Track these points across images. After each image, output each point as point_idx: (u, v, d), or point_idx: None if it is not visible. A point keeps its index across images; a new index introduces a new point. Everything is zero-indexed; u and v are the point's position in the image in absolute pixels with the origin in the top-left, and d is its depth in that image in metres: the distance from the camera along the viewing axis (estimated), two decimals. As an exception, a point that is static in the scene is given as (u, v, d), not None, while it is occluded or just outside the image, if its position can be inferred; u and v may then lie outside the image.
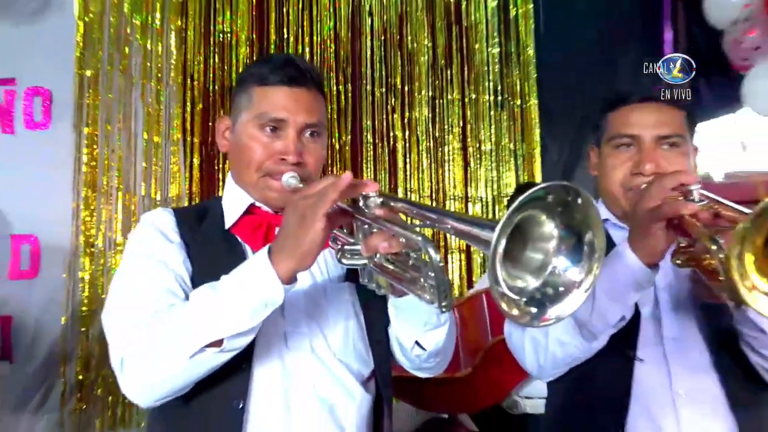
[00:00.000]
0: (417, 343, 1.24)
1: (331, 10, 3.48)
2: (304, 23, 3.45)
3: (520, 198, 0.75)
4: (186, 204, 3.24)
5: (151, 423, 1.30)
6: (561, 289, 0.84)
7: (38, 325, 3.01)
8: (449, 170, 3.55)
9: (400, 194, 3.46)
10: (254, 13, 3.41)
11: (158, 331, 1.09)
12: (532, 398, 2.53)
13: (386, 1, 3.55)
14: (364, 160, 3.45)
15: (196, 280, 1.24)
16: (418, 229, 0.94)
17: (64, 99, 3.16)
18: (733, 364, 1.30)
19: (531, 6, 3.73)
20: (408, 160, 3.51)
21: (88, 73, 3.19)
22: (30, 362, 2.97)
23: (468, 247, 3.56)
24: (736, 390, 1.31)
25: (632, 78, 4.01)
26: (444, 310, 0.89)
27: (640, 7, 3.97)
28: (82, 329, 3.06)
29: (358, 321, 1.31)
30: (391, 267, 1.03)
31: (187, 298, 1.21)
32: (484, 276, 3.37)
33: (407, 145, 3.51)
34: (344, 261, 1.08)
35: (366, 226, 1.04)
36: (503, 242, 0.73)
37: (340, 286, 1.33)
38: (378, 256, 1.04)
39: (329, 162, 3.40)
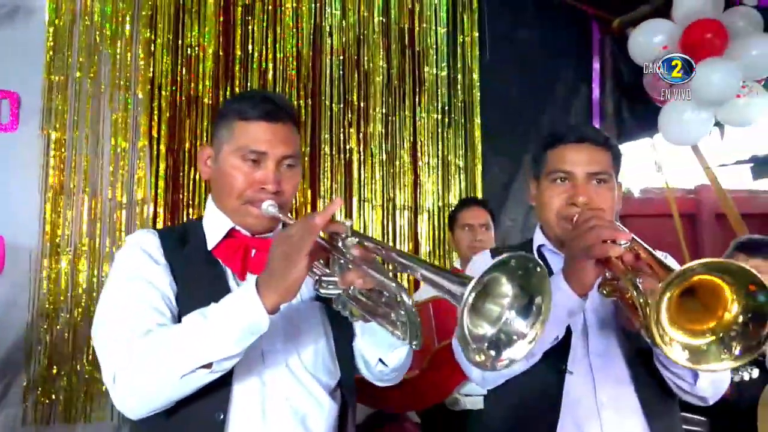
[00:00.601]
0: (380, 360, 1.33)
1: (294, 29, 3.51)
2: (268, 40, 3.46)
3: (492, 263, 0.84)
4: (151, 208, 3.22)
5: None
6: (513, 337, 0.94)
7: (1, 322, 2.94)
8: (400, 182, 3.65)
9: (355, 204, 3.53)
10: (220, 28, 3.40)
11: (152, 351, 1.13)
12: (471, 395, 2.65)
13: (345, 24, 3.61)
14: (322, 171, 3.50)
15: (181, 300, 1.29)
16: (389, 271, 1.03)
17: (32, 103, 3.08)
18: (647, 376, 1.45)
19: (477, 34, 3.86)
20: (363, 171, 3.58)
21: (57, 78, 3.12)
22: (-7, 357, 2.89)
23: (416, 251, 3.67)
24: (649, 398, 1.46)
25: (564, 102, 4.22)
26: (415, 347, 0.98)
27: (573, 39, 4.17)
28: (45, 327, 3.01)
29: (327, 338, 1.38)
30: (364, 300, 1.10)
31: (173, 317, 1.26)
32: (424, 286, 3.45)
33: (362, 157, 3.59)
34: (321, 291, 1.15)
35: (342, 261, 1.12)
36: (472, 297, 0.82)
37: (312, 306, 1.40)
38: (352, 288, 1.12)
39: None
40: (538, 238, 1.64)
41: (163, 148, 3.27)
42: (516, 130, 3.98)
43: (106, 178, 3.16)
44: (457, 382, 2.55)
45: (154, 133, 3.25)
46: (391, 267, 1.08)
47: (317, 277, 1.16)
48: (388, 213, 3.61)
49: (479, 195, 3.75)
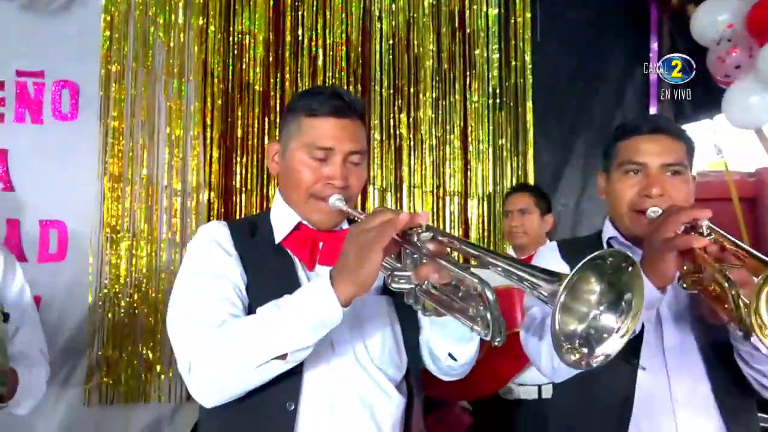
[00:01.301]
0: (450, 354, 1.31)
1: (344, 15, 3.48)
2: (318, 26, 3.44)
3: (588, 258, 0.81)
4: (205, 193, 3.27)
5: (204, 420, 1.35)
6: (604, 333, 0.90)
7: (64, 305, 3.05)
8: (450, 167, 3.60)
9: (405, 190, 3.50)
10: (271, 15, 3.40)
11: (226, 341, 1.14)
12: (525, 385, 2.62)
13: (395, 7, 3.56)
14: (372, 157, 3.48)
15: (252, 290, 1.30)
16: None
17: (91, 92, 3.16)
18: (725, 373, 1.39)
19: (529, 15, 3.76)
20: (412, 157, 3.55)
21: (114, 68, 3.18)
22: (57, 340, 3.00)
23: (466, 238, 3.63)
24: (727, 397, 1.40)
25: (618, 84, 4.08)
26: (498, 343, 0.95)
27: (627, 18, 4.01)
28: (107, 310, 3.10)
29: (393, 331, 1.37)
30: (438, 294, 1.08)
31: (245, 307, 1.26)
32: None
33: (412, 143, 3.55)
34: (393, 285, 1.13)
35: (416, 256, 1.10)
36: (564, 296, 0.80)
37: (379, 299, 1.38)
38: (426, 282, 1.10)
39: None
40: (608, 231, 1.59)
41: (216, 135, 3.30)
42: (567, 113, 3.87)
43: (162, 166, 3.22)
44: (514, 372, 2.52)
45: (207, 121, 3.29)
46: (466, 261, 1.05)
47: (389, 272, 1.14)
48: (438, 199, 3.57)
49: (530, 180, 3.68)
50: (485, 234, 3.62)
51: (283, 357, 1.11)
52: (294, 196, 1.37)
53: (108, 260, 3.11)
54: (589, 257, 0.81)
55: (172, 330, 1.24)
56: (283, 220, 1.39)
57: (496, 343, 0.95)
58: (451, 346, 1.30)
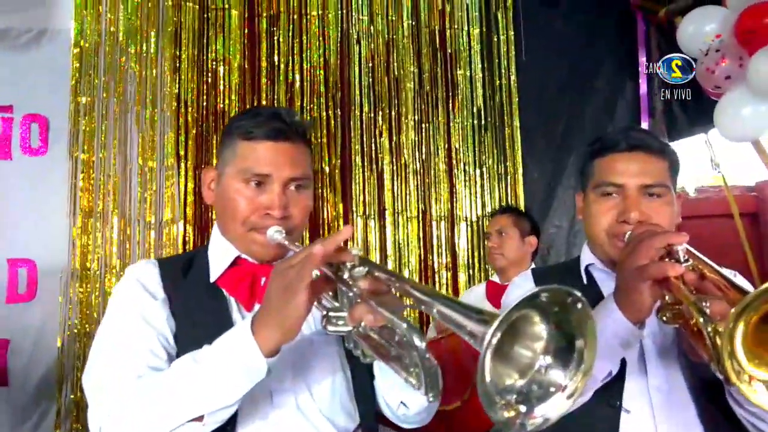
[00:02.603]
0: (402, 402, 1.17)
1: (321, 38, 3.39)
2: (294, 51, 3.36)
3: (520, 298, 0.67)
4: (181, 226, 3.15)
5: None
6: (550, 389, 0.76)
7: (35, 347, 2.91)
8: (435, 191, 3.48)
9: (388, 217, 3.37)
10: (245, 41, 3.32)
11: (139, 400, 1.00)
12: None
13: (373, 30, 3.47)
14: (354, 183, 3.36)
15: (180, 336, 1.17)
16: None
17: (61, 125, 3.06)
18: (718, 415, 1.23)
19: (512, 33, 3.66)
20: (396, 182, 3.42)
21: (84, 100, 3.09)
22: (26, 385, 2.86)
23: (454, 263, 3.48)
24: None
25: (608, 99, 3.97)
26: (431, 400, 0.81)
27: (614, 31, 3.92)
28: (78, 351, 2.95)
29: (344, 375, 1.23)
30: (376, 338, 0.95)
31: (170, 357, 1.13)
32: (466, 292, 3.27)
33: (395, 167, 3.43)
34: (329, 328, 1.00)
35: (351, 294, 0.96)
36: (496, 339, 0.66)
37: (327, 339, 1.25)
38: (363, 325, 0.96)
39: (320, 185, 3.32)
40: (587, 257, 1.45)
41: (191, 165, 3.19)
42: (556, 131, 3.76)
43: (135, 199, 3.10)
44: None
45: (181, 151, 3.18)
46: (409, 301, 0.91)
47: (325, 312, 1.01)
48: (424, 224, 3.44)
49: (520, 202, 3.54)
50: (473, 260, 3.47)
51: (200, 419, 0.97)
52: (230, 228, 1.24)
53: (79, 299, 2.98)
54: (520, 296, 0.67)
55: (86, 386, 1.10)
56: (219, 255, 1.27)
57: (430, 400, 0.81)
58: (401, 393, 1.15)
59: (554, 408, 0.76)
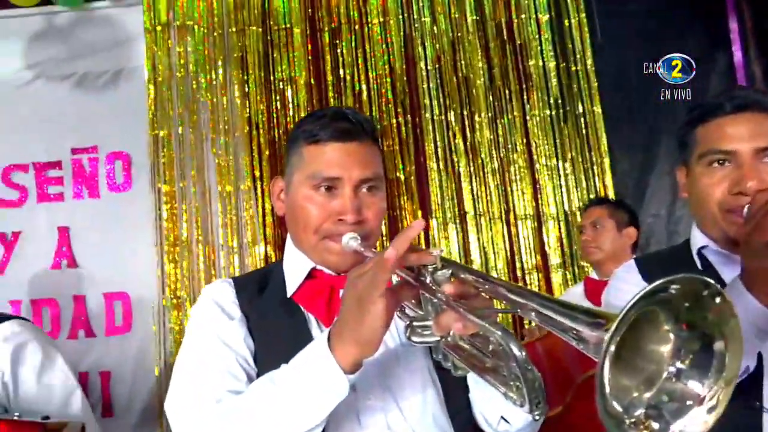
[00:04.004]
0: (503, 418, 1.05)
1: (384, 44, 3.34)
2: (359, 60, 3.32)
3: (640, 292, 0.55)
4: (262, 247, 3.16)
5: None
6: (687, 402, 0.63)
7: (134, 378, 3.00)
8: (518, 189, 3.31)
9: (469, 221, 3.24)
10: (310, 57, 3.32)
11: (219, 427, 0.95)
12: None
13: (437, 29, 3.38)
14: (431, 188, 3.26)
15: (260, 357, 1.11)
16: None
17: (141, 160, 3.17)
18: None
19: (584, 15, 3.46)
20: (474, 183, 3.29)
21: (161, 132, 3.18)
22: (129, 414, 2.95)
23: (545, 264, 3.30)
24: None
25: (698, 73, 3.66)
26: (537, 418, 0.69)
27: (700, 1, 3.62)
28: (175, 378, 3.01)
29: (435, 388, 1.12)
30: (467, 348, 0.84)
31: (249, 378, 1.07)
32: (562, 294, 3.09)
33: (472, 168, 3.31)
34: (414, 339, 0.90)
35: (435, 301, 0.86)
36: (614, 346, 0.54)
37: (414, 350, 1.15)
38: (452, 334, 0.86)
39: (396, 195, 3.24)
40: (698, 239, 1.28)
41: (266, 186, 3.20)
42: (643, 114, 3.49)
43: (217, 225, 3.15)
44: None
45: (256, 173, 3.20)
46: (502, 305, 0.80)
47: (408, 321, 0.91)
48: (509, 225, 3.28)
49: (610, 193, 3.31)
50: (566, 258, 3.27)
51: (284, 442, 0.90)
52: (303, 239, 1.18)
53: (172, 327, 3.04)
54: (645, 289, 0.54)
55: (169, 411, 1.06)
56: (295, 268, 1.20)
57: (536, 418, 0.69)
58: (501, 407, 1.03)
59: (694, 424, 0.62)
